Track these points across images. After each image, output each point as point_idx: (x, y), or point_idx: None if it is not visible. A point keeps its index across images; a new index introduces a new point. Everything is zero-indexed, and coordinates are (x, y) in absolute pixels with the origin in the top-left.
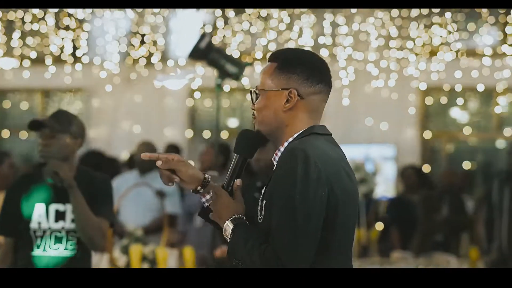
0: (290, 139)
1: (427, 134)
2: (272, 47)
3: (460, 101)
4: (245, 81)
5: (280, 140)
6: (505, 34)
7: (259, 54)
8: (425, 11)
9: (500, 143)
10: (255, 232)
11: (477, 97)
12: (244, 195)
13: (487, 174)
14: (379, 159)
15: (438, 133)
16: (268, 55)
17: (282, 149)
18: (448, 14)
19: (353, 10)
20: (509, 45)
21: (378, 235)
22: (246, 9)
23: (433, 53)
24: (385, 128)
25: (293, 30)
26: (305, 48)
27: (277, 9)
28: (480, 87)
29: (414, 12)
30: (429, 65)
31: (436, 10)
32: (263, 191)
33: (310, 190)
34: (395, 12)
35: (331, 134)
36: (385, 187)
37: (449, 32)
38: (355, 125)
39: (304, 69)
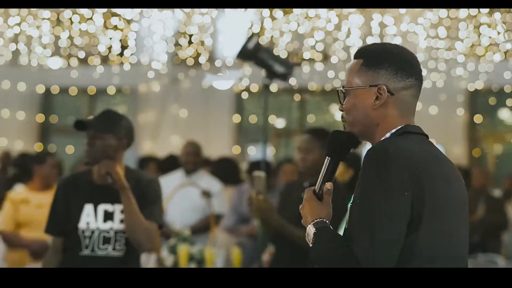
0: (383, 139)
1: (476, 134)
2: (320, 48)
3: (509, 101)
4: (292, 81)
5: (373, 140)
6: None
7: (306, 55)
8: (473, 11)
9: None
10: (338, 237)
11: None
12: (289, 197)
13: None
14: None
15: (487, 133)
16: (316, 55)
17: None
18: (497, 15)
19: (402, 11)
20: None
21: None
22: (294, 10)
23: (482, 54)
24: (433, 129)
25: (341, 30)
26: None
27: (325, 9)
28: None
29: (463, 12)
30: (478, 66)
31: (485, 11)
32: (353, 195)
33: (392, 193)
34: (443, 12)
35: (426, 135)
36: None
37: (498, 33)
38: None
39: (392, 64)
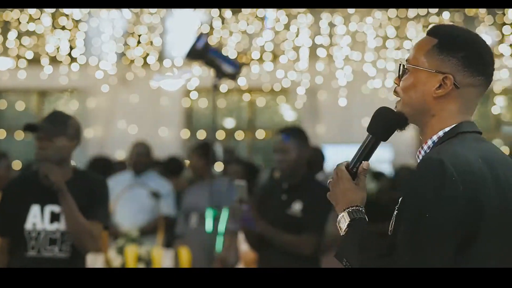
0: (435, 138)
1: None
2: (269, 47)
3: None
4: (241, 81)
5: (424, 132)
6: (502, 35)
7: (255, 54)
8: (422, 11)
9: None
10: (375, 239)
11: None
12: (269, 198)
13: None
14: (374, 159)
15: None
16: (265, 55)
17: (425, 147)
18: (446, 15)
19: (351, 11)
20: (509, 46)
21: None
22: (243, 10)
23: None
24: None
25: (290, 30)
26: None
27: (274, 9)
28: None
29: (412, 12)
30: None
31: (434, 11)
32: (400, 199)
33: (444, 209)
34: (392, 12)
35: (480, 132)
36: None
37: None
38: (352, 125)
39: (467, 55)
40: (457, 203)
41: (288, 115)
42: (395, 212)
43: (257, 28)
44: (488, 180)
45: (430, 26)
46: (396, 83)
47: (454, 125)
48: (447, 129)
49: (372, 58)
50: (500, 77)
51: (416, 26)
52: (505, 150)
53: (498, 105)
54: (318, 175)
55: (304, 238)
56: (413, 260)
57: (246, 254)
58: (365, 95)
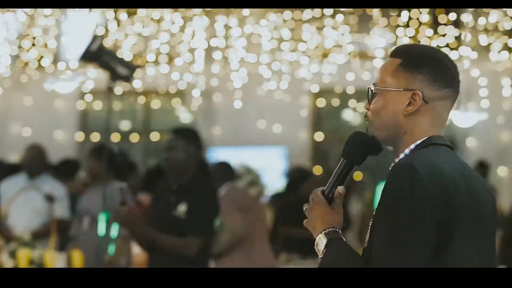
0: (407, 151)
1: (319, 136)
2: (165, 50)
3: (352, 103)
4: (137, 83)
5: (397, 149)
6: (396, 36)
7: (151, 57)
8: (317, 13)
9: None
10: (352, 251)
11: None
12: (160, 199)
13: (378, 176)
14: (270, 161)
15: (330, 135)
16: (161, 57)
17: (397, 161)
18: (339, 17)
19: (246, 13)
20: None
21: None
22: (139, 12)
23: (325, 55)
24: (278, 130)
25: (185, 33)
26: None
27: (170, 11)
28: None
29: (307, 14)
30: (321, 68)
31: (329, 12)
32: (374, 213)
33: (418, 213)
34: (287, 14)
35: (451, 146)
36: (275, 189)
37: (342, 34)
38: (247, 127)
39: (432, 69)
40: (431, 206)
41: (184, 117)
42: (371, 224)
43: (153, 30)
44: (460, 186)
45: (393, 48)
46: (366, 108)
47: (425, 138)
48: (418, 141)
49: (267, 60)
50: None
51: (311, 28)
52: None
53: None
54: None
55: (187, 241)
56: (393, 265)
57: (137, 256)
58: (260, 97)
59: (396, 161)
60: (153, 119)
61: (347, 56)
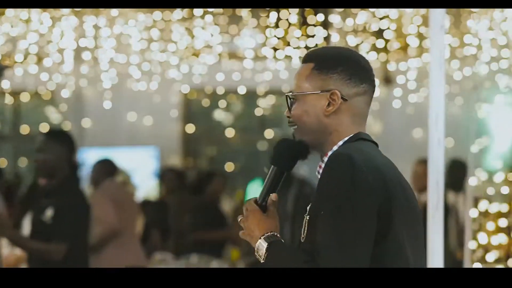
0: (335, 148)
1: (190, 136)
2: (33, 50)
3: (222, 103)
4: (5, 84)
5: (324, 150)
6: (266, 37)
7: (19, 57)
8: (188, 13)
9: (262, 145)
10: (294, 251)
11: (239, 99)
12: (31, 202)
13: (249, 175)
14: (141, 161)
15: (201, 135)
16: (29, 58)
17: (325, 159)
18: (209, 17)
19: (115, 13)
20: (271, 48)
21: (140, 237)
22: (7, 12)
23: (195, 56)
24: (148, 131)
25: (54, 33)
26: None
27: (39, 11)
28: (242, 90)
29: (176, 15)
30: (191, 68)
31: (199, 13)
32: (308, 207)
33: (358, 202)
34: (157, 15)
35: (376, 143)
36: (147, 190)
37: (212, 35)
38: (118, 128)
39: (345, 68)
40: (370, 194)
41: (53, 118)
42: (307, 218)
43: (21, 30)
44: (392, 176)
45: (305, 54)
46: (288, 116)
47: (352, 134)
48: (346, 138)
49: (137, 61)
50: (264, 79)
51: (180, 28)
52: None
53: (262, 106)
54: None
55: (52, 246)
56: (339, 257)
57: (7, 257)
58: (131, 98)
59: (331, 153)
60: (22, 120)
61: (217, 56)
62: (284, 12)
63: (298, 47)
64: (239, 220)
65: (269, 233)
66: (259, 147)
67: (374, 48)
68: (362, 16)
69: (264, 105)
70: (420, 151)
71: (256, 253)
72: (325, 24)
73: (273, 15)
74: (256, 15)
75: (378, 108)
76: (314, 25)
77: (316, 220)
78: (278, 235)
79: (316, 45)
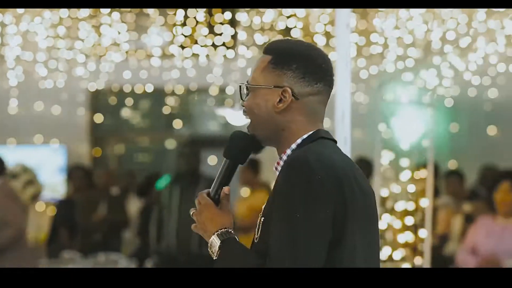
0: (294, 146)
1: (97, 134)
2: None
3: (129, 101)
4: None
5: (280, 146)
6: (173, 35)
7: None
8: (94, 11)
9: (170, 143)
10: (247, 250)
11: (147, 97)
12: None
13: (157, 173)
14: (48, 159)
15: (108, 133)
16: None
17: (284, 157)
18: (116, 15)
19: (21, 10)
20: (179, 46)
21: (48, 236)
22: None
23: (102, 53)
24: (55, 128)
25: None
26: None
27: None
28: (149, 87)
29: (83, 12)
30: (98, 66)
31: (106, 11)
32: (263, 207)
33: (313, 208)
34: (64, 12)
35: (335, 140)
36: (54, 188)
37: (119, 33)
38: (23, 125)
39: (301, 65)
40: (325, 200)
41: None
42: (261, 219)
43: None
44: (350, 178)
45: (267, 44)
46: (242, 105)
47: (312, 132)
48: (305, 136)
49: (43, 58)
50: (171, 77)
51: (87, 26)
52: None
53: (169, 104)
54: None
55: None
56: (290, 263)
57: None
58: (37, 95)
59: (289, 156)
60: None
61: (124, 54)
62: (191, 10)
63: (205, 45)
64: (191, 213)
65: (223, 230)
66: (167, 145)
67: None
68: (269, 14)
69: (172, 103)
70: None
71: (209, 249)
72: (233, 22)
73: (180, 13)
74: (163, 13)
75: None
76: (222, 23)
77: (270, 222)
78: (232, 231)
79: (224, 43)
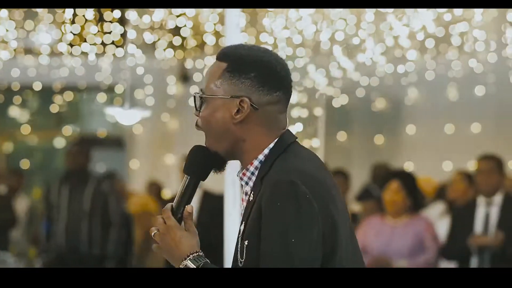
0: (261, 157)
1: None
2: None
3: (17, 99)
4: None
5: (243, 158)
6: (62, 33)
7: None
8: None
9: (59, 142)
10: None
11: (35, 95)
12: None
13: (46, 172)
14: None
15: None
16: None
17: (252, 168)
18: (4, 12)
19: None
20: (67, 44)
21: None
22: None
23: None
24: None
25: None
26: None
27: None
28: (37, 86)
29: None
30: None
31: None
32: (241, 228)
33: (307, 228)
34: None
35: (296, 138)
36: None
37: (7, 30)
38: None
39: (260, 74)
40: (316, 222)
41: None
42: (244, 242)
43: None
44: (332, 192)
45: (220, 50)
46: (196, 115)
47: (276, 140)
48: (271, 145)
49: None
50: (60, 75)
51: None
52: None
53: (58, 103)
54: None
55: None
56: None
57: None
58: None
59: (275, 177)
60: None
61: (12, 52)
62: (80, 8)
63: (94, 44)
64: (152, 233)
65: (195, 254)
66: (56, 144)
67: (171, 45)
68: (158, 13)
69: (60, 101)
70: None
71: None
72: (122, 21)
73: (69, 11)
74: (52, 11)
75: (174, 105)
76: (111, 22)
77: (257, 246)
78: (203, 254)
79: (113, 42)
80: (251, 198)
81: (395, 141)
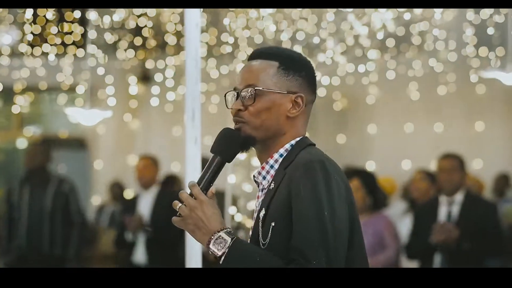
0: (283, 151)
1: None
2: None
3: None
4: None
5: (270, 148)
6: (23, 34)
7: None
8: None
9: (21, 142)
10: (264, 251)
11: None
12: None
13: (8, 173)
14: None
15: None
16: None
17: (271, 161)
18: None
19: None
20: (28, 45)
21: None
22: None
23: None
24: None
25: None
26: None
27: None
28: None
29: None
30: None
31: None
32: (262, 213)
33: (336, 206)
34: None
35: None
36: None
37: None
38: None
39: (308, 74)
40: (343, 200)
41: None
42: (271, 224)
43: None
44: (348, 182)
45: (261, 50)
46: (240, 108)
47: (299, 138)
48: (293, 142)
49: None
50: (20, 76)
51: None
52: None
53: (19, 104)
54: None
55: None
56: (327, 259)
57: None
58: None
59: (304, 160)
60: None
61: None
62: (41, 9)
63: (55, 44)
64: (177, 207)
65: (227, 229)
66: (18, 144)
67: (132, 45)
68: (119, 13)
69: (21, 102)
70: (179, 148)
71: (211, 248)
72: (82, 21)
73: (30, 11)
74: (13, 11)
75: (136, 105)
76: (72, 22)
77: (285, 227)
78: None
79: (74, 42)
80: (271, 187)
81: (356, 140)
